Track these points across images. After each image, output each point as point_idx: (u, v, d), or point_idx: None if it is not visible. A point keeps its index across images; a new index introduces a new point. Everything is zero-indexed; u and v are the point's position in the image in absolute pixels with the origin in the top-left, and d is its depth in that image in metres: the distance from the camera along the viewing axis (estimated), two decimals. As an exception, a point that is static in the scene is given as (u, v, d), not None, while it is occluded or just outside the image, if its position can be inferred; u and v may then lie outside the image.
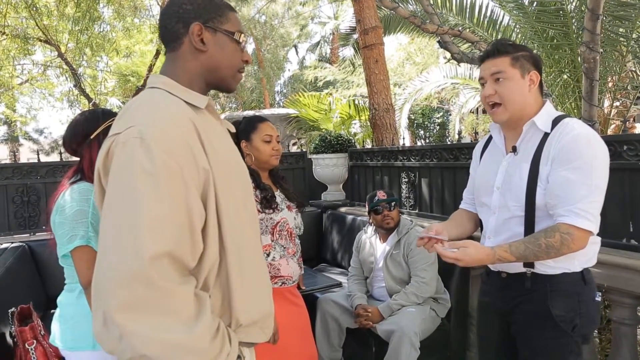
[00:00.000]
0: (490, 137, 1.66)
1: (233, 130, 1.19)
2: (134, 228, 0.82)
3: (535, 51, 1.58)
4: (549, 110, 1.48)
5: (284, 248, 1.92)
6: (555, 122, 1.44)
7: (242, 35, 1.08)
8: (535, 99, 1.49)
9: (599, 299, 1.50)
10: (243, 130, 1.96)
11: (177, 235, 0.86)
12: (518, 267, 1.49)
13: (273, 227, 1.89)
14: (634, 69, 4.42)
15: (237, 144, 1.95)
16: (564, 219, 1.34)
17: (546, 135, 1.43)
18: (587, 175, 1.33)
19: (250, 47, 19.06)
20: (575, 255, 1.42)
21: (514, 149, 1.51)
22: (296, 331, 1.91)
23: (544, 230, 1.38)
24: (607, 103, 4.51)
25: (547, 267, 1.45)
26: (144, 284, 0.80)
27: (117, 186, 0.87)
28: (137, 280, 0.80)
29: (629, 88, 4.47)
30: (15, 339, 1.86)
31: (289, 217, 1.96)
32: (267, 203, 1.87)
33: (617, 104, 5.03)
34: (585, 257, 1.45)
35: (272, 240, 1.89)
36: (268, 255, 1.87)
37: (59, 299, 1.59)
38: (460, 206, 1.83)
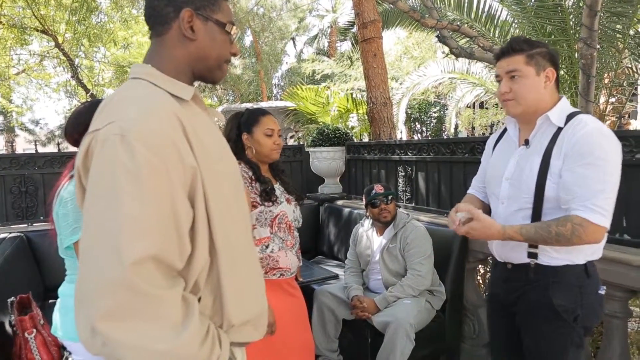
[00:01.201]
0: (505, 130, 1.69)
1: (222, 119, 1.17)
2: (116, 232, 0.78)
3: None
4: (564, 106, 1.50)
5: (283, 240, 1.93)
6: (569, 117, 1.46)
7: (234, 27, 1.04)
8: (551, 95, 1.51)
9: (602, 292, 1.51)
10: (245, 123, 1.96)
11: (163, 237, 0.82)
12: (522, 258, 1.53)
13: (272, 220, 1.90)
14: (629, 66, 4.44)
15: (239, 134, 1.96)
16: (578, 212, 1.36)
17: (559, 129, 1.46)
18: (602, 171, 1.35)
19: (247, 40, 18.98)
20: (581, 247, 1.45)
21: (527, 142, 1.53)
22: (294, 322, 1.94)
23: (556, 219, 1.40)
24: (602, 99, 4.53)
25: (551, 258, 1.48)
26: (127, 291, 0.76)
27: (97, 186, 0.82)
28: (120, 287, 0.76)
29: (624, 84, 4.49)
30: (15, 328, 1.87)
31: (288, 209, 1.97)
32: (266, 196, 1.88)
33: (613, 100, 5.06)
34: (591, 249, 1.48)
35: (271, 233, 1.90)
36: (267, 247, 1.89)
37: (60, 290, 1.60)
38: (469, 191, 1.86)
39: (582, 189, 1.36)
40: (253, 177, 1.90)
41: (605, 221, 1.35)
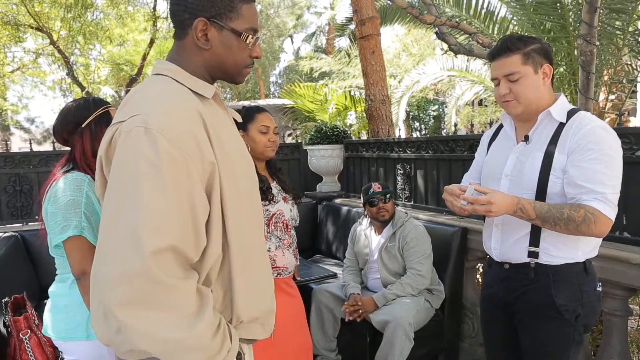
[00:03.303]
0: (500, 126, 1.67)
1: (240, 119, 1.17)
2: (136, 221, 0.79)
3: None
4: (564, 103, 1.50)
5: (280, 239, 1.91)
6: (571, 113, 1.46)
7: (249, 36, 1.00)
8: (549, 91, 1.50)
9: (599, 289, 1.53)
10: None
11: (181, 228, 0.83)
12: (522, 258, 1.51)
13: (269, 219, 1.89)
14: (629, 62, 4.43)
15: None
16: (591, 202, 1.35)
17: (561, 125, 1.45)
18: (609, 166, 1.36)
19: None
20: (579, 245, 1.45)
21: (526, 138, 1.52)
22: (291, 321, 1.92)
23: (569, 204, 1.39)
24: (602, 96, 4.52)
25: (551, 257, 1.47)
26: (145, 279, 0.78)
27: (119, 177, 0.84)
28: (138, 276, 0.78)
29: (624, 81, 4.49)
30: (9, 329, 1.85)
31: (285, 208, 1.96)
32: (263, 194, 1.86)
33: (613, 97, 5.05)
34: (589, 247, 1.48)
35: (268, 232, 1.89)
36: (263, 246, 1.87)
37: (51, 290, 1.58)
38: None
39: (592, 183, 1.35)
40: (250, 175, 1.88)
41: (614, 216, 1.36)
